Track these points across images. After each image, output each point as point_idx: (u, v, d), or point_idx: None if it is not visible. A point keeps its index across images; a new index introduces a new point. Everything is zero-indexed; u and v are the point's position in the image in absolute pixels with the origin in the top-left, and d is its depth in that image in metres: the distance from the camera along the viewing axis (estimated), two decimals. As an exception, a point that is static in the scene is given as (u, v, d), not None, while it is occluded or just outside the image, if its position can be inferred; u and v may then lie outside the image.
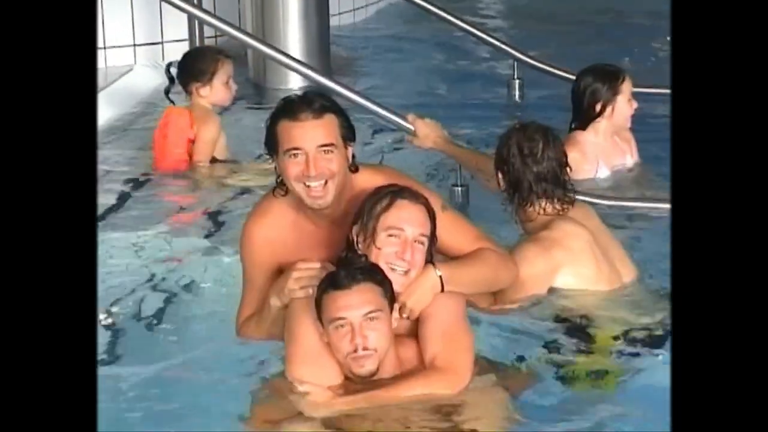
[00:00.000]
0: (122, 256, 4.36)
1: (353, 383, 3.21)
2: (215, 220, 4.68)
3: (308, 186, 3.26)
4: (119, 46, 6.63)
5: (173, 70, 5.26)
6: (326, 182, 3.28)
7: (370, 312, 3.13)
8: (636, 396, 3.28)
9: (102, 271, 4.00)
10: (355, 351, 3.15)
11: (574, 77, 5.52)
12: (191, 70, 5.03)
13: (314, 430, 3.20)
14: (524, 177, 3.64)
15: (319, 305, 3.20)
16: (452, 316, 3.31)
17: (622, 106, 4.82)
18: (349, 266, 3.25)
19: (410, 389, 3.21)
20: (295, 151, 3.24)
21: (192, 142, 4.99)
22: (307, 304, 3.29)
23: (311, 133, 3.25)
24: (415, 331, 3.27)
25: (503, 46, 6.47)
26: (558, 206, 3.65)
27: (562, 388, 3.35)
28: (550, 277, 3.66)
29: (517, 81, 6.36)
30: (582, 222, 3.74)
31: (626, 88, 4.84)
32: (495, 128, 5.33)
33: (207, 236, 4.49)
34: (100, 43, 6.42)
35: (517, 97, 6.44)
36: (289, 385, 3.30)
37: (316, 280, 3.24)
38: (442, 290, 3.29)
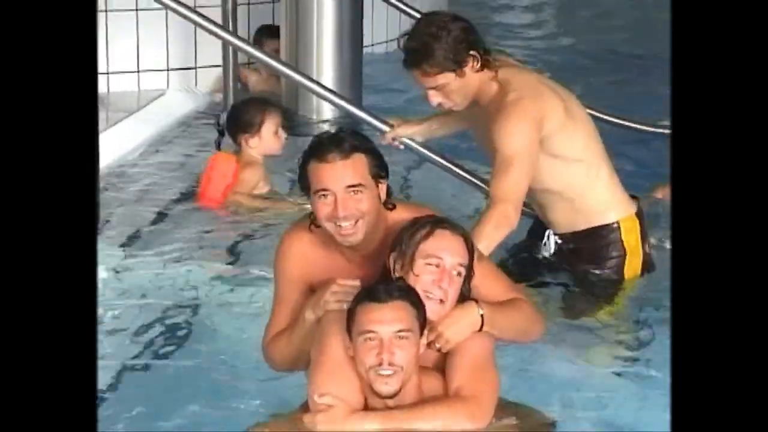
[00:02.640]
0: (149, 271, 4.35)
1: (372, 403, 3.14)
2: (241, 247, 4.63)
3: (339, 225, 3.20)
4: (153, 70, 6.55)
5: (222, 122, 5.29)
6: (357, 221, 3.21)
7: (401, 330, 3.06)
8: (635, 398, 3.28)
9: (131, 284, 4.21)
10: (380, 365, 3.07)
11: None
12: (239, 122, 5.06)
13: None
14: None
15: (351, 316, 3.13)
16: (483, 352, 3.23)
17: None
18: (387, 283, 3.20)
19: (431, 415, 3.12)
20: (323, 192, 3.18)
21: (231, 186, 5.03)
22: (339, 319, 3.21)
23: (339, 174, 3.18)
24: (440, 364, 3.20)
25: None
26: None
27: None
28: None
29: None
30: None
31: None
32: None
33: (232, 263, 4.44)
34: (133, 67, 6.46)
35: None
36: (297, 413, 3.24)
37: (351, 297, 3.19)
38: (481, 329, 3.22)
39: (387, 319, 3.07)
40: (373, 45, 7.34)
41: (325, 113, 6.21)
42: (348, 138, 3.31)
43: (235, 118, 5.15)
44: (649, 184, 4.98)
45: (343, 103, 5.14)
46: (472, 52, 3.71)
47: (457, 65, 3.69)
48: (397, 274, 3.24)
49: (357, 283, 3.26)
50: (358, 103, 5.62)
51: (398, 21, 7.41)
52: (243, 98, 5.70)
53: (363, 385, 3.15)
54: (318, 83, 5.37)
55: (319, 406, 3.13)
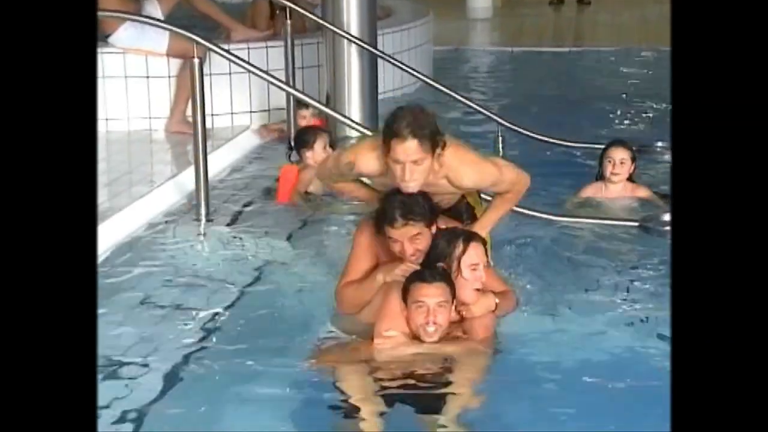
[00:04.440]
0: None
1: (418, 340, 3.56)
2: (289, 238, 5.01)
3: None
4: (241, 112, 7.19)
5: (291, 143, 5.87)
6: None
7: (441, 301, 3.49)
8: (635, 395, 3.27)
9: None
10: (428, 324, 3.47)
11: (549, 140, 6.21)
12: (300, 141, 5.72)
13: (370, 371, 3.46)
14: None
15: (406, 290, 3.51)
16: (490, 322, 3.69)
17: None
18: (432, 269, 3.58)
19: (457, 345, 3.57)
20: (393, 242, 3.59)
21: (294, 186, 5.57)
22: (398, 288, 3.59)
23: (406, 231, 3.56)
24: (457, 322, 3.64)
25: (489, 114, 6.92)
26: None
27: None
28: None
29: (500, 139, 6.68)
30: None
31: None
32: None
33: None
34: (228, 110, 7.10)
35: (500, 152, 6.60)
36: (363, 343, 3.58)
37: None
38: (494, 311, 3.69)
39: (432, 294, 3.47)
40: (384, 92, 7.80)
41: (354, 137, 6.35)
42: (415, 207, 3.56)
43: (297, 138, 5.83)
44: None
45: (364, 130, 5.72)
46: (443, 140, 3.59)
47: (437, 145, 3.55)
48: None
49: (417, 267, 3.61)
50: (375, 129, 5.60)
51: (400, 77, 8.10)
52: (303, 127, 6.19)
53: (411, 335, 3.52)
54: (349, 118, 6.20)
55: (385, 337, 3.53)
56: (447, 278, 3.53)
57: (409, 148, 3.44)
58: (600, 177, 5.58)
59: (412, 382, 3.41)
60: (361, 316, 3.72)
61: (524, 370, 3.56)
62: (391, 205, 3.59)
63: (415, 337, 3.52)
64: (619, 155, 5.50)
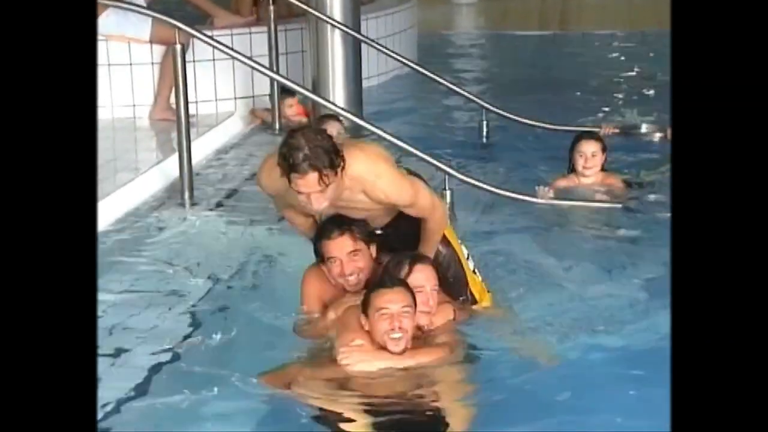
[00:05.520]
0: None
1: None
2: None
3: (347, 279, 3.62)
4: (225, 99, 7.23)
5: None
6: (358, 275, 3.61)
7: (405, 306, 3.40)
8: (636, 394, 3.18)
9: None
10: (393, 330, 3.35)
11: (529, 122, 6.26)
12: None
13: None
14: None
15: (367, 301, 3.41)
16: (451, 326, 3.65)
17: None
18: (390, 276, 3.53)
19: (425, 356, 3.43)
20: (332, 259, 3.60)
21: None
22: (352, 311, 3.51)
23: (341, 245, 3.56)
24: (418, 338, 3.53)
25: (475, 99, 6.97)
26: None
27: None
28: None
29: (485, 123, 6.80)
30: None
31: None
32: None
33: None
34: (212, 97, 7.12)
35: (484, 137, 6.84)
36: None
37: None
38: (454, 319, 3.66)
39: (395, 299, 3.37)
40: (369, 77, 7.81)
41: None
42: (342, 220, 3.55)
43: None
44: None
45: (349, 115, 5.84)
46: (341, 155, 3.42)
47: (338, 168, 3.39)
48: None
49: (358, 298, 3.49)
50: (359, 115, 6.33)
51: (385, 62, 8.19)
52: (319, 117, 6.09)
53: (376, 348, 3.37)
54: (333, 103, 6.09)
55: (350, 347, 3.37)
56: (407, 284, 3.47)
57: (310, 181, 3.34)
58: (571, 170, 5.54)
59: (391, 399, 3.26)
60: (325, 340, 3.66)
61: (499, 373, 3.48)
62: (327, 222, 3.60)
63: (381, 349, 3.42)
64: (590, 149, 5.46)
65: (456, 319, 3.65)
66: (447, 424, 3.14)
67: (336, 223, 3.60)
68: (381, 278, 3.50)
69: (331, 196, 3.44)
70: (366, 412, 3.17)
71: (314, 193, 3.37)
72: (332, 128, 5.36)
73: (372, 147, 3.63)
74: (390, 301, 3.37)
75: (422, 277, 3.54)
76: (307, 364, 3.45)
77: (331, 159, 3.35)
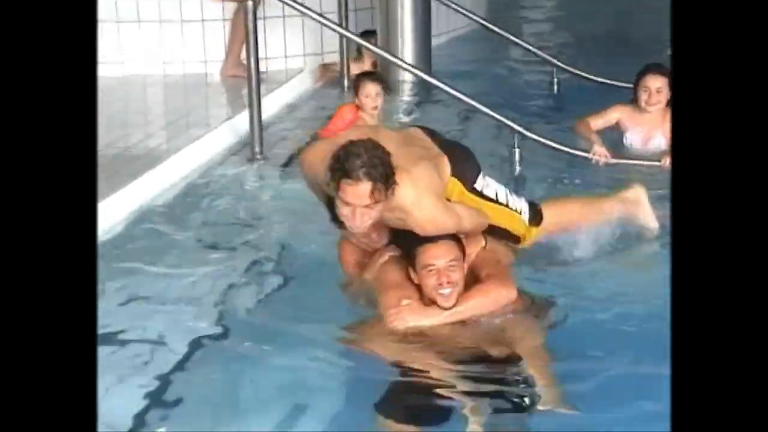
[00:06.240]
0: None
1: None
2: None
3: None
4: (295, 55, 7.34)
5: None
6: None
7: (452, 260, 3.31)
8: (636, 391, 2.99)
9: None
10: (440, 285, 3.27)
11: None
12: (356, 86, 5.69)
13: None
14: None
15: (413, 256, 3.32)
16: (499, 260, 3.56)
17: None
18: None
19: (479, 294, 3.34)
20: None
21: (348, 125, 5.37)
22: (391, 266, 3.45)
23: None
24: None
25: (547, 57, 7.06)
26: None
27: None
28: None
29: (556, 81, 6.90)
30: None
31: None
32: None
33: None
34: (281, 53, 7.22)
35: (555, 90, 6.91)
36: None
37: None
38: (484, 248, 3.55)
39: (441, 254, 3.28)
40: (438, 35, 7.95)
41: (407, 77, 6.95)
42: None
43: (354, 83, 5.80)
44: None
45: (417, 72, 6.06)
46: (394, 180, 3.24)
47: (391, 187, 3.23)
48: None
49: (391, 252, 3.44)
50: (428, 72, 6.38)
51: (455, 18, 8.31)
52: (359, 73, 6.23)
53: (426, 302, 3.29)
54: (403, 60, 6.35)
55: (400, 306, 3.28)
56: (454, 236, 3.35)
57: (361, 191, 3.14)
58: (635, 101, 5.34)
59: (453, 351, 3.18)
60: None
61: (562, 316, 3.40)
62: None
63: (431, 303, 3.33)
64: (656, 83, 5.23)
65: (486, 246, 3.53)
66: (519, 360, 3.13)
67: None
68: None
69: (375, 217, 3.26)
70: (433, 366, 3.13)
71: (360, 207, 3.19)
72: (373, 88, 5.51)
73: (421, 172, 3.35)
74: (436, 256, 3.30)
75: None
76: (365, 325, 3.38)
77: (387, 174, 3.18)
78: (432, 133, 3.65)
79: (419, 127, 3.75)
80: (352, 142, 3.23)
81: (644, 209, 4.08)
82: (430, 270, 3.29)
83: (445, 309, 3.29)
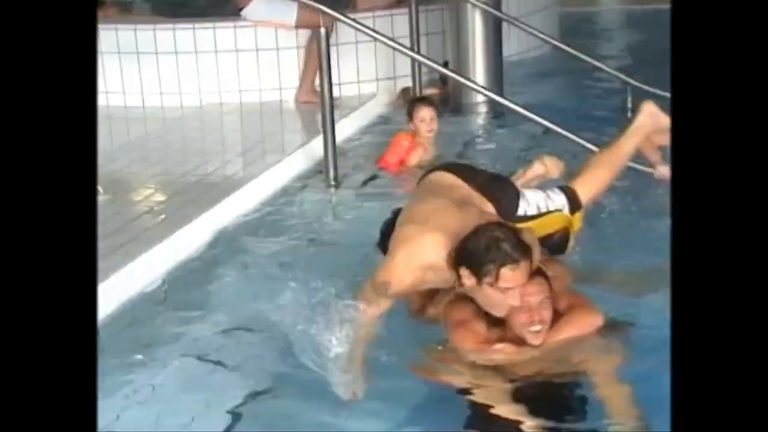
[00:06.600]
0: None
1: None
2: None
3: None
4: (367, 80, 7.40)
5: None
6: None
7: (544, 298, 3.28)
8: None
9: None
10: (531, 323, 3.24)
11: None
12: (411, 110, 5.86)
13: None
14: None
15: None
16: (571, 287, 3.54)
17: None
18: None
19: (566, 328, 3.32)
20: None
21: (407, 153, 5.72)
22: (459, 304, 3.40)
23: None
24: None
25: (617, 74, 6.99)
26: None
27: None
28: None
29: (629, 100, 6.78)
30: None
31: None
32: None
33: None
34: (354, 78, 7.27)
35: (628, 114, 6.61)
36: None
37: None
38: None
39: (534, 291, 3.23)
40: (510, 56, 7.90)
41: (479, 99, 6.89)
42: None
43: (409, 108, 5.91)
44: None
45: (489, 93, 6.09)
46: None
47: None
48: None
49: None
50: (500, 92, 6.38)
51: (525, 40, 8.30)
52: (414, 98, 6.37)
53: (514, 339, 3.26)
54: (475, 82, 6.40)
55: (494, 348, 3.27)
56: (544, 273, 3.32)
57: (523, 271, 3.14)
58: None
59: (537, 380, 3.18)
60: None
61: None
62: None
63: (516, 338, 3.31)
64: None
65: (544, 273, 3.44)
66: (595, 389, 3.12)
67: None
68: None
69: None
70: (514, 396, 3.12)
71: (518, 287, 3.17)
72: (428, 112, 5.63)
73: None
74: (530, 293, 3.26)
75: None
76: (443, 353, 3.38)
77: (526, 246, 3.21)
78: (465, 175, 3.64)
79: (451, 167, 3.76)
80: (481, 229, 3.20)
81: (661, 119, 4.00)
82: (522, 307, 3.25)
83: (535, 346, 3.28)
